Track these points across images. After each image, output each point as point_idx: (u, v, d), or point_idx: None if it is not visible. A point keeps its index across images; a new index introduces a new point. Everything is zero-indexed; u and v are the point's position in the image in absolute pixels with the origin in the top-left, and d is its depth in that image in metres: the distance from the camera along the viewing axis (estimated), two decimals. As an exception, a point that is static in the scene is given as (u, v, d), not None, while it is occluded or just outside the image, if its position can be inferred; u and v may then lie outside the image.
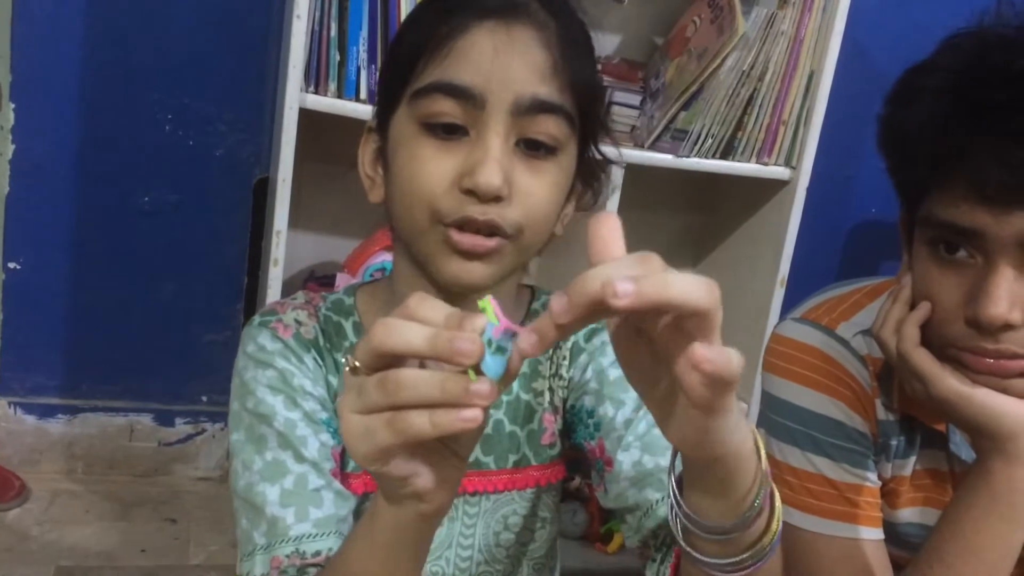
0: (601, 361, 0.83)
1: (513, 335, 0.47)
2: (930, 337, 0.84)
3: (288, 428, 0.75)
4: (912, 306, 0.86)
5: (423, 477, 0.52)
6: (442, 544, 0.82)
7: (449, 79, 0.69)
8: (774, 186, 2.00)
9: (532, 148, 0.71)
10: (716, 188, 2.20)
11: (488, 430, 0.81)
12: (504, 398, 0.83)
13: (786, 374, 0.98)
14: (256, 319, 0.81)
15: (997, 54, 0.77)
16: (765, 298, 2.02)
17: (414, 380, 0.46)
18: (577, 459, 0.87)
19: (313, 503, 0.72)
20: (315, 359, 0.79)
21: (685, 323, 0.46)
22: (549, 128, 0.71)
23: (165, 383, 2.14)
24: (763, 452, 0.57)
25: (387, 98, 0.75)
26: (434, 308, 0.48)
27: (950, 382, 0.82)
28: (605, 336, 0.84)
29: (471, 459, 0.78)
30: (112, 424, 2.11)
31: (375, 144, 0.79)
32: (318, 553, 0.71)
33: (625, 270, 0.44)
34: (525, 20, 0.70)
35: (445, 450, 0.53)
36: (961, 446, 0.95)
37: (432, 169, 0.70)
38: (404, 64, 0.72)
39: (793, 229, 1.98)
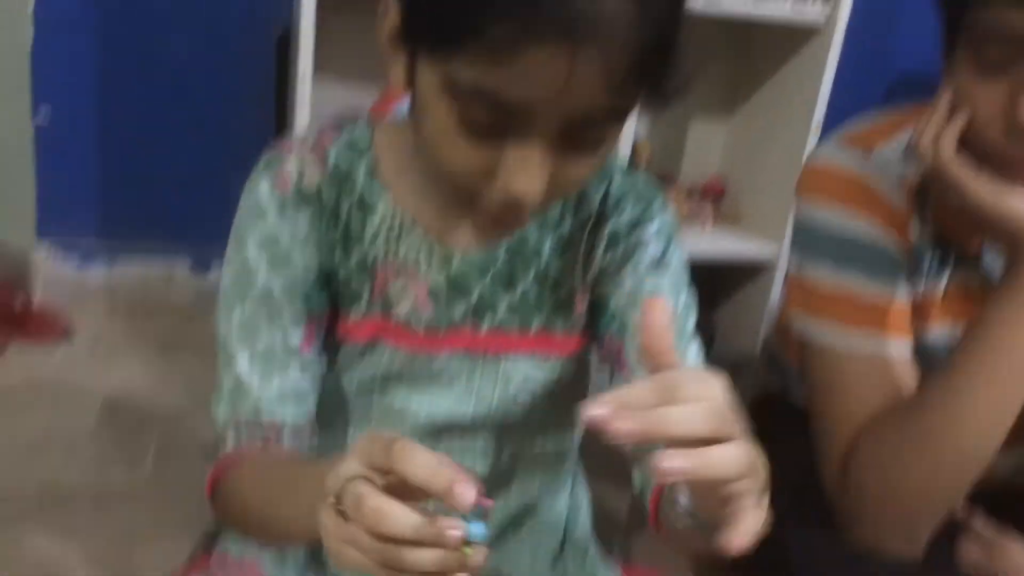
0: (640, 266, 0.79)
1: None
2: (970, 147, 0.83)
3: (266, 292, 0.75)
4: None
5: None
6: (460, 401, 0.82)
7: (495, 91, 0.58)
8: (810, 31, 1.95)
9: (580, 142, 0.64)
10: (750, 34, 2.15)
11: (516, 295, 0.81)
12: (533, 269, 0.81)
13: (819, 196, 0.97)
14: (263, 160, 0.78)
15: None
16: (799, 143, 2.01)
17: (415, 558, 0.49)
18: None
19: (279, 370, 0.75)
20: (312, 215, 0.77)
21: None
22: (601, 132, 0.64)
23: (200, 231, 2.18)
24: None
25: (413, 29, 0.64)
26: (419, 466, 0.49)
27: (985, 188, 0.81)
28: (650, 230, 0.80)
29: (495, 323, 0.80)
30: (150, 268, 2.17)
31: (394, 22, 0.66)
32: (272, 417, 0.74)
33: (700, 423, 0.47)
34: (594, 39, 0.56)
35: None
36: (994, 266, 0.94)
37: (465, 161, 0.63)
38: (439, 22, 0.60)
39: (830, 74, 1.94)
